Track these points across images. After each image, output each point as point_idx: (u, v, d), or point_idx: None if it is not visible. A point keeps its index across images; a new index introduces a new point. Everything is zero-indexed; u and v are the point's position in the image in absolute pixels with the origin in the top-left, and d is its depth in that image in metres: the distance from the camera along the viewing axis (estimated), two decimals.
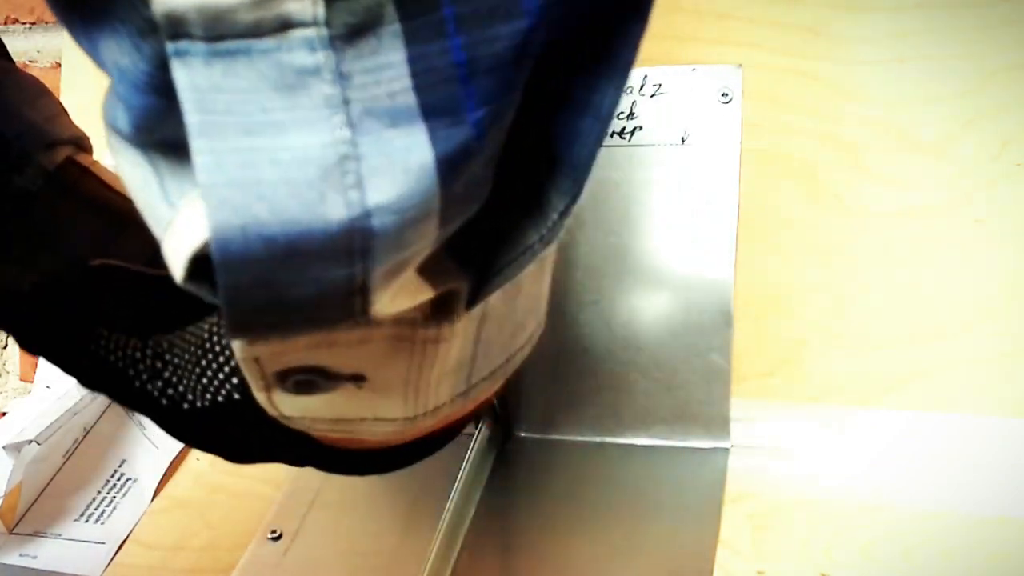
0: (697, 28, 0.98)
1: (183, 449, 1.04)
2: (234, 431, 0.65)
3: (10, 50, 1.23)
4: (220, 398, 0.63)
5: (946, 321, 0.92)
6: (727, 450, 0.93)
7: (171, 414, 0.66)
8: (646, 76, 0.97)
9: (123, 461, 1.04)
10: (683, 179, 0.96)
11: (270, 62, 0.36)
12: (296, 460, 0.69)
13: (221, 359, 0.62)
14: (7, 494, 0.96)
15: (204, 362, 0.63)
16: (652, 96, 0.97)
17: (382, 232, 0.38)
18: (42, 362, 1.13)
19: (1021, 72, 0.92)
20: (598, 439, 0.96)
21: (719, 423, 0.93)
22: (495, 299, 0.50)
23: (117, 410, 1.08)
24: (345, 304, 0.41)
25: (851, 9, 0.95)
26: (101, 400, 1.07)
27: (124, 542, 0.96)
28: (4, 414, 1.13)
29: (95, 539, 0.97)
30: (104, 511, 0.99)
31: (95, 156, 1.02)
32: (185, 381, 0.64)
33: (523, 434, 0.98)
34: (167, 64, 0.36)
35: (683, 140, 0.96)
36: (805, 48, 0.96)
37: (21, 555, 0.96)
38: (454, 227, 0.43)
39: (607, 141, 0.97)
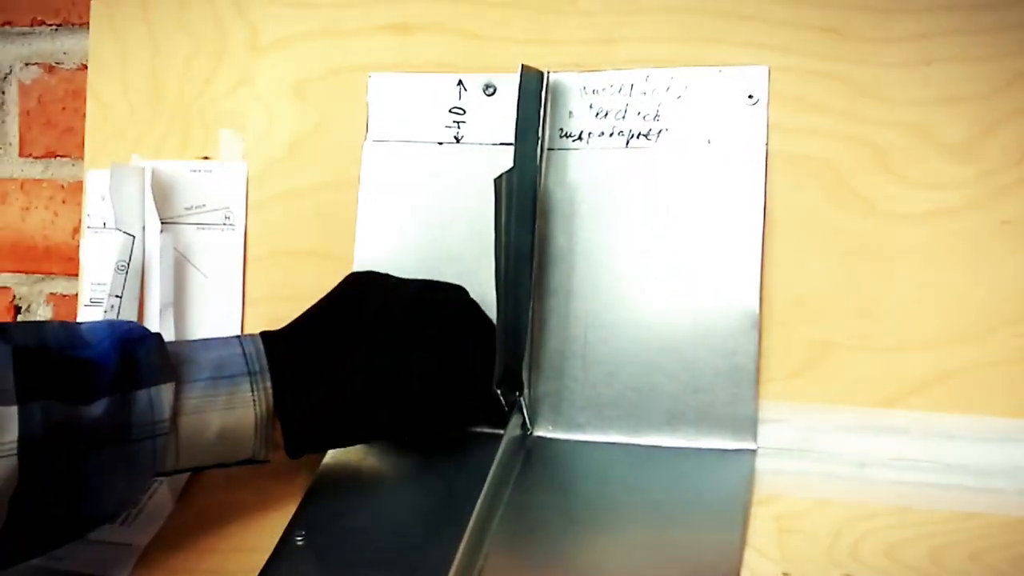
0: (723, 30, 0.98)
1: None
2: None
3: (36, 52, 1.24)
4: None
5: (972, 323, 0.92)
6: (754, 452, 0.93)
7: None
8: (672, 78, 0.97)
9: None
10: (709, 181, 0.96)
11: None
12: None
13: None
14: None
15: None
16: (678, 98, 0.97)
17: None
18: None
19: None
20: (624, 440, 0.96)
21: (745, 425, 0.93)
22: None
23: None
24: None
25: (876, 11, 0.95)
26: None
27: (150, 544, 0.96)
28: None
29: (121, 540, 0.97)
30: (130, 513, 0.99)
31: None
32: None
33: (550, 435, 0.98)
34: None
35: (709, 142, 0.96)
36: (831, 50, 0.96)
37: (47, 557, 0.96)
38: None
39: (633, 143, 0.98)
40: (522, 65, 0.97)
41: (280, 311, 1.07)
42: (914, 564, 0.82)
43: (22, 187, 1.27)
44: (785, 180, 0.96)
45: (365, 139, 1.06)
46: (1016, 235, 0.91)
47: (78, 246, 1.18)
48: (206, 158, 1.13)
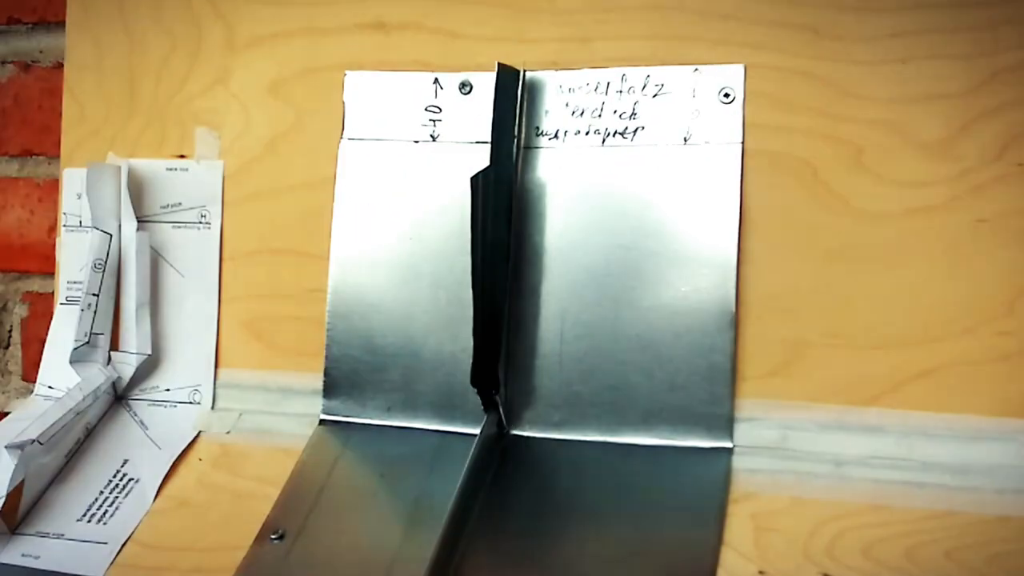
0: (699, 29, 0.98)
1: (185, 449, 1.04)
2: None
3: (12, 50, 1.24)
4: None
5: (949, 321, 0.92)
6: (730, 450, 0.93)
7: None
8: (648, 76, 0.98)
9: (125, 461, 1.04)
10: (685, 179, 0.96)
11: None
12: None
13: None
14: (9, 494, 0.96)
15: None
16: (654, 96, 0.97)
17: None
18: (44, 362, 1.13)
19: (1022, 72, 0.92)
20: (601, 439, 0.96)
21: (722, 423, 0.93)
22: None
23: (119, 410, 1.09)
24: None
25: (853, 9, 0.95)
26: (103, 401, 1.07)
27: (126, 542, 0.96)
28: (7, 414, 1.13)
29: (97, 539, 0.97)
30: (106, 511, 0.99)
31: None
32: None
33: (526, 434, 0.98)
34: None
35: (685, 140, 0.96)
36: (807, 48, 0.96)
37: (23, 555, 0.96)
38: None
39: (610, 141, 0.98)
40: (498, 63, 0.97)
41: (257, 309, 1.08)
42: (891, 563, 0.83)
43: None
44: (761, 178, 0.96)
45: (341, 137, 1.06)
46: (993, 233, 0.92)
47: (54, 244, 1.18)
48: (182, 156, 1.12)
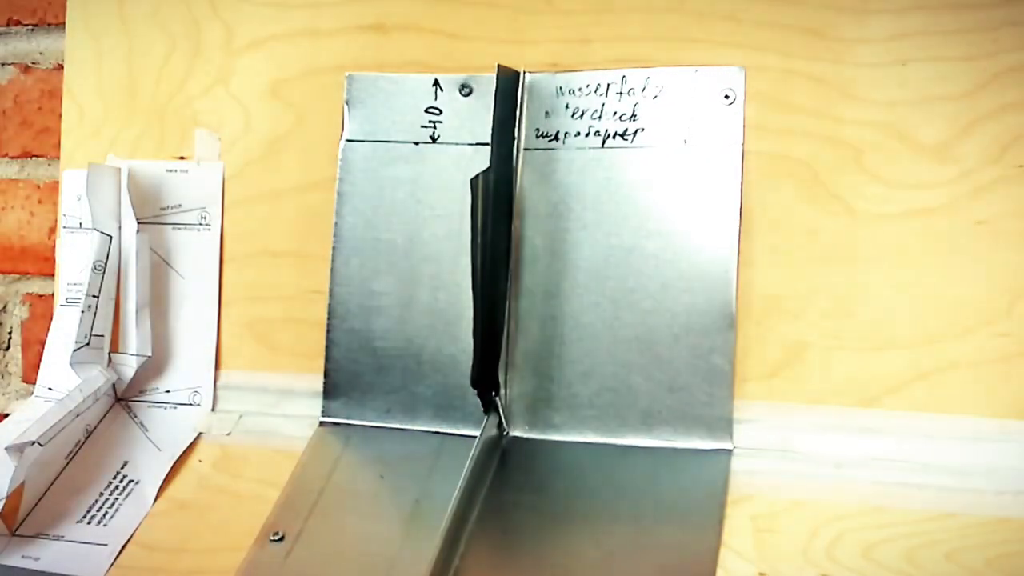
0: (700, 30, 0.98)
1: (185, 451, 1.04)
2: None
3: (12, 52, 1.24)
4: None
5: (948, 323, 0.92)
6: (730, 451, 0.93)
7: None
8: (649, 78, 0.97)
9: (125, 463, 1.04)
10: (685, 180, 0.96)
11: None
12: None
13: None
14: (9, 496, 0.96)
15: None
16: (655, 98, 0.97)
17: None
18: (44, 364, 1.13)
19: (1022, 74, 0.92)
20: (600, 440, 0.96)
21: (721, 424, 0.93)
22: None
23: (119, 412, 1.08)
24: None
25: (853, 11, 0.95)
26: (103, 402, 1.07)
27: (126, 544, 0.96)
28: (7, 415, 1.13)
29: (97, 541, 0.97)
30: (106, 513, 0.99)
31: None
32: None
33: (526, 435, 0.98)
34: None
35: (685, 142, 0.96)
36: (807, 50, 0.96)
37: (23, 556, 0.96)
38: None
39: (610, 143, 0.97)
40: (498, 65, 0.97)
41: (257, 311, 1.07)
42: (890, 564, 0.83)
43: None
44: (761, 180, 0.96)
45: (341, 139, 1.06)
46: (992, 235, 0.92)
47: (54, 246, 1.18)
48: (182, 158, 1.12)
